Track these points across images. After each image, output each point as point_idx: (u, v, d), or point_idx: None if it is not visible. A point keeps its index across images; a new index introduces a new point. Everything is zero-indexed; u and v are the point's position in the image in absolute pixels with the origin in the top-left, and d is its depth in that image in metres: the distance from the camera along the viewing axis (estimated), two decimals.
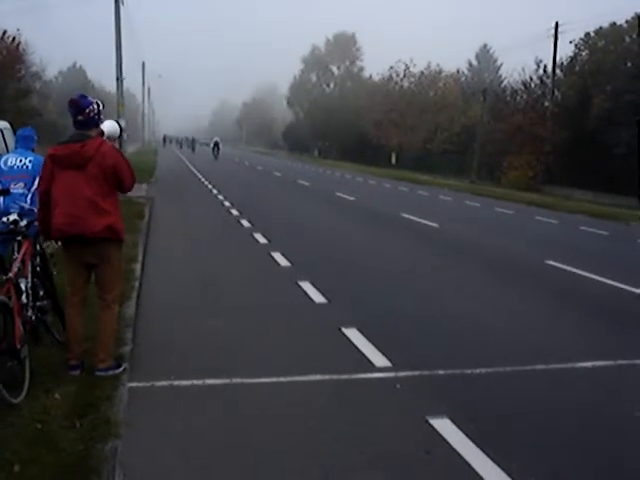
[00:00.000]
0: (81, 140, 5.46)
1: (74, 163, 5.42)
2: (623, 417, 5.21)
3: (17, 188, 7.05)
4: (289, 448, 4.57)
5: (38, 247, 6.17)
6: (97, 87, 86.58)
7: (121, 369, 5.64)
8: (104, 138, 5.82)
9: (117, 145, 6.23)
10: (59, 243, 5.79)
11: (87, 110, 5.48)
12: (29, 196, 7.07)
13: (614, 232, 19.36)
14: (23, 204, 6.85)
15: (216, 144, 61.00)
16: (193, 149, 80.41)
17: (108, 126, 6.14)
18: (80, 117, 5.48)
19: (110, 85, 47.81)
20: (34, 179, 7.13)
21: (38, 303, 5.85)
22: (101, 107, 5.63)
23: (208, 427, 4.85)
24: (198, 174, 35.99)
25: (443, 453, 4.46)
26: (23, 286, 5.52)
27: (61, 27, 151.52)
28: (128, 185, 5.72)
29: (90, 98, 5.64)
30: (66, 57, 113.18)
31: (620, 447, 4.73)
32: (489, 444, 4.54)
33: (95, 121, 5.58)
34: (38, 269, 6.01)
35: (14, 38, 40.72)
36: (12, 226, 5.72)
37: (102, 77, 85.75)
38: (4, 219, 5.84)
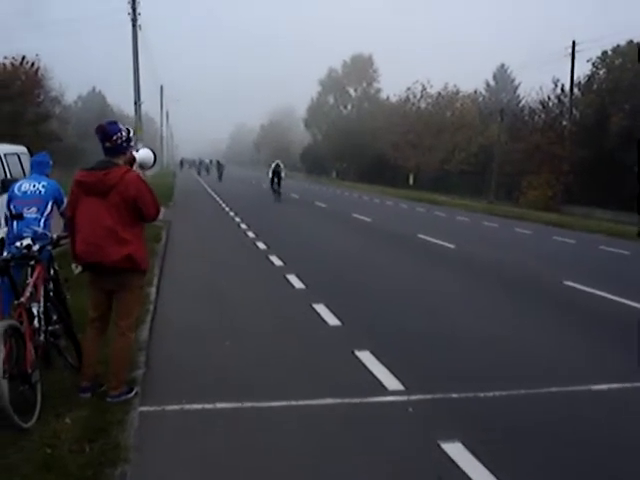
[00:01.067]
0: (106, 167, 5.46)
1: (97, 190, 5.41)
2: None
3: (30, 213, 7.11)
4: (301, 472, 4.55)
5: (52, 272, 6.21)
6: (116, 111, 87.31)
7: (132, 394, 5.63)
8: (136, 166, 5.81)
9: (144, 173, 6.13)
10: (79, 267, 5.80)
11: (114, 137, 5.46)
12: (42, 220, 7.13)
13: (635, 252, 19.14)
14: (36, 228, 6.90)
15: (277, 172, 34.25)
16: (220, 177, 60.50)
17: (142, 154, 6.07)
18: (107, 144, 5.48)
19: (129, 109, 48.08)
20: (47, 204, 7.20)
21: (50, 327, 5.86)
22: (131, 134, 5.61)
23: (218, 451, 4.83)
24: (217, 197, 36.16)
25: (455, 479, 4.39)
26: (35, 311, 5.54)
27: (80, 52, 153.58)
28: (151, 216, 5.65)
29: (119, 125, 5.61)
30: (85, 81, 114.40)
31: (638, 469, 4.65)
32: (502, 469, 4.48)
33: (123, 148, 5.55)
34: (51, 294, 6.03)
35: (33, 63, 41.32)
36: (25, 251, 5.75)
37: (121, 101, 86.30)
38: (17, 244, 5.88)
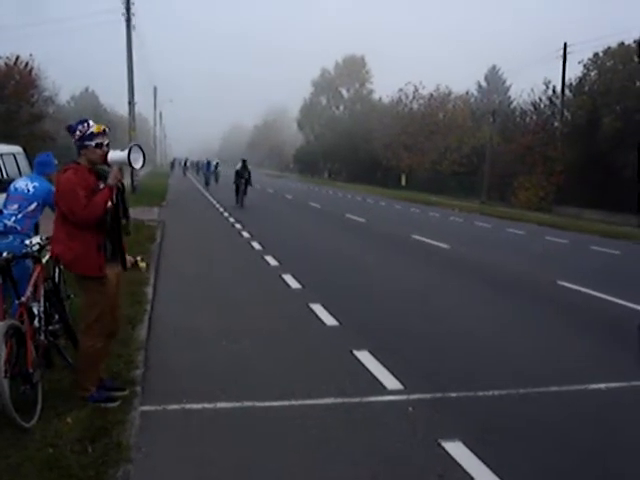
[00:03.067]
0: (64, 165, 5.50)
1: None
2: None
3: (11, 209, 7.20)
4: (301, 472, 4.56)
5: (57, 271, 6.23)
6: (109, 111, 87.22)
7: (105, 404, 5.38)
8: (116, 166, 5.60)
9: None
10: None
11: (75, 134, 5.39)
12: (18, 216, 7.17)
13: (626, 252, 19.26)
14: (6, 221, 7.09)
15: None
16: (240, 195, 29.27)
17: (115, 155, 5.73)
18: (73, 141, 5.48)
19: (122, 109, 48.00)
20: (30, 203, 7.22)
21: (50, 327, 5.87)
22: (90, 130, 5.35)
23: (220, 451, 4.83)
24: (210, 197, 36.13)
25: (456, 478, 4.42)
26: (35, 310, 5.55)
27: (73, 51, 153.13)
28: (74, 217, 5.22)
29: (80, 124, 5.40)
30: (79, 81, 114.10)
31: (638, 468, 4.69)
32: (503, 468, 4.51)
33: (78, 147, 5.42)
34: (51, 293, 6.04)
35: (27, 63, 41.13)
36: (29, 249, 5.76)
37: (114, 101, 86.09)
38: (27, 242, 5.91)
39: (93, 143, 5.37)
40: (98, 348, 5.47)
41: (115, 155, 5.48)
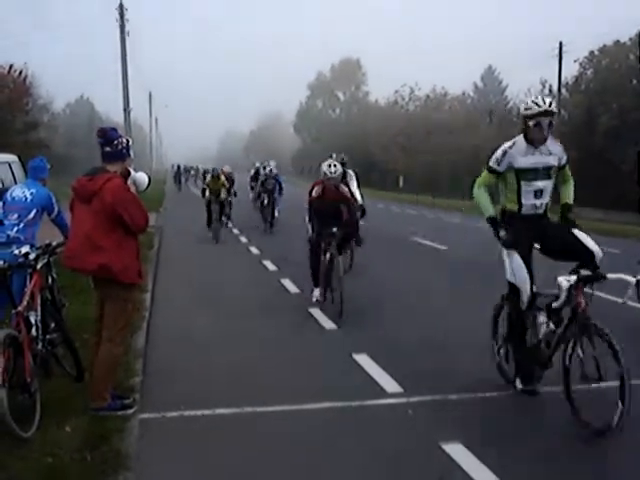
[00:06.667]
0: (93, 174, 5.40)
1: (82, 197, 5.39)
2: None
3: (11, 219, 7.13)
4: (302, 476, 4.56)
5: (50, 279, 6.20)
6: (105, 119, 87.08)
7: (119, 412, 5.39)
8: (130, 181, 5.67)
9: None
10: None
11: (115, 142, 5.40)
12: (20, 225, 7.11)
13: (626, 250, 19.20)
14: (9, 232, 7.02)
15: None
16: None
17: (139, 175, 5.84)
18: (108, 148, 5.41)
19: (118, 116, 47.86)
20: (30, 211, 7.17)
21: (48, 336, 5.84)
22: (130, 143, 5.57)
23: (220, 458, 4.82)
24: None
25: (457, 479, 4.40)
26: (33, 319, 5.52)
27: (68, 59, 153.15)
28: (137, 226, 5.41)
29: (115, 131, 5.58)
30: (73, 89, 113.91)
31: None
32: (504, 469, 4.49)
33: (123, 155, 5.46)
34: (48, 302, 6.01)
35: (21, 71, 41.16)
36: (23, 259, 5.73)
37: (109, 109, 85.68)
38: (16, 251, 5.87)
39: (132, 153, 5.61)
40: (120, 355, 5.68)
41: (138, 176, 5.78)
